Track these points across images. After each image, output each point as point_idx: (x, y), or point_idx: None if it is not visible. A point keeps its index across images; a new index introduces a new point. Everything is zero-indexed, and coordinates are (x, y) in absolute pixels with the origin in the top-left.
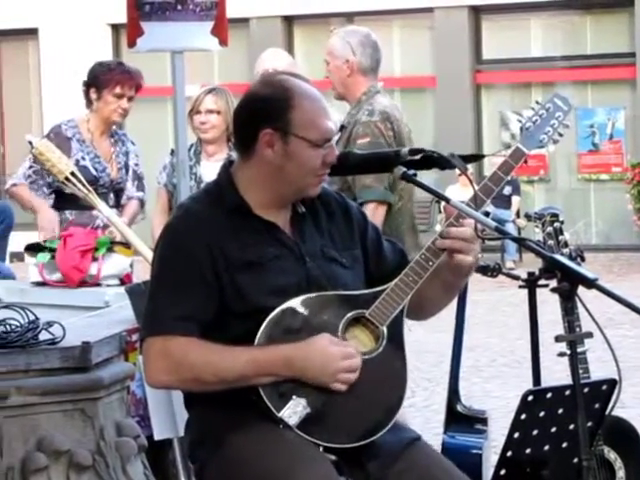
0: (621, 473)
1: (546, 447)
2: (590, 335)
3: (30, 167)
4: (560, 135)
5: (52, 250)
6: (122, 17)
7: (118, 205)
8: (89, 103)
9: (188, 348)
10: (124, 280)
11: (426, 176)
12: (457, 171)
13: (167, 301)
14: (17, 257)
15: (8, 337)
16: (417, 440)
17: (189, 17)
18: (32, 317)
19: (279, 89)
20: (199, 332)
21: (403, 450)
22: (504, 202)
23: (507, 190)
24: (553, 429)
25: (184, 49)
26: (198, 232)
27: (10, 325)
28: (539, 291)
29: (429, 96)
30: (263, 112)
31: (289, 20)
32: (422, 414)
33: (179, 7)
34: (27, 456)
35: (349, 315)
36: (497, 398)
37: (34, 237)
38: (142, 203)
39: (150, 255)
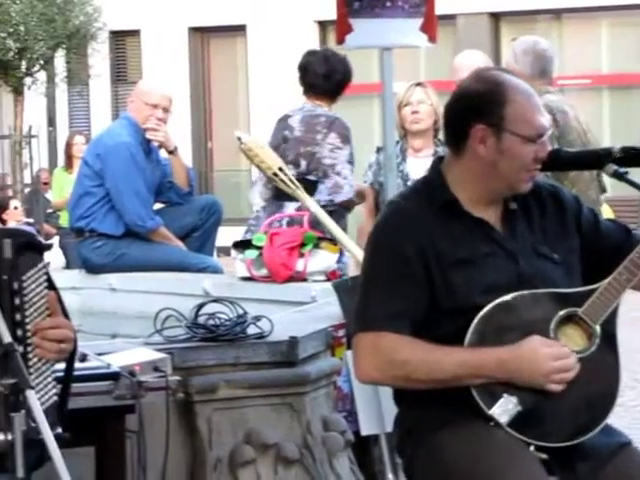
0: None
1: None
2: None
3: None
4: None
5: (259, 247)
6: (329, 14)
7: None
8: None
9: (399, 346)
10: (330, 276)
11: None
12: None
13: (379, 298)
14: (223, 252)
15: (217, 331)
16: (627, 445)
17: (398, 14)
18: (240, 311)
19: (492, 84)
20: (410, 330)
21: (613, 454)
22: None
23: None
24: None
25: (393, 46)
26: (408, 230)
27: (219, 319)
28: None
29: (638, 94)
30: (476, 108)
31: (496, 17)
32: (630, 414)
33: (388, 3)
34: (235, 449)
35: (561, 313)
36: None
37: (240, 232)
38: None
39: (356, 251)
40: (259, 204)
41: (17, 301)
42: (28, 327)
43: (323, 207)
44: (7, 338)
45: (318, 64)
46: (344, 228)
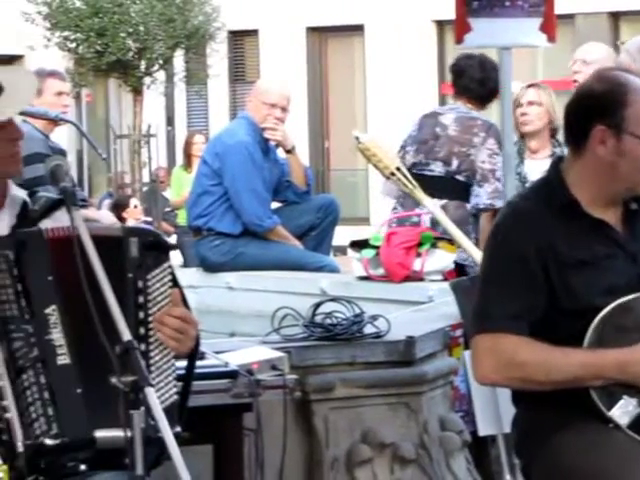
0: None
1: None
2: None
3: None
4: None
5: (376, 247)
6: (447, 14)
7: None
8: None
9: (518, 347)
10: (447, 276)
11: None
12: None
13: (497, 299)
14: (340, 251)
15: (334, 330)
16: None
17: (517, 13)
18: (357, 311)
19: (614, 85)
20: (528, 331)
21: None
22: None
23: None
24: None
25: (512, 45)
26: (527, 231)
27: (336, 318)
28: None
29: None
30: (597, 108)
31: (615, 16)
32: None
33: (507, 3)
34: (352, 448)
35: None
36: None
37: (357, 231)
38: None
39: (474, 251)
40: (391, 201)
41: (141, 299)
42: (150, 326)
43: (479, 211)
44: (127, 336)
45: (475, 69)
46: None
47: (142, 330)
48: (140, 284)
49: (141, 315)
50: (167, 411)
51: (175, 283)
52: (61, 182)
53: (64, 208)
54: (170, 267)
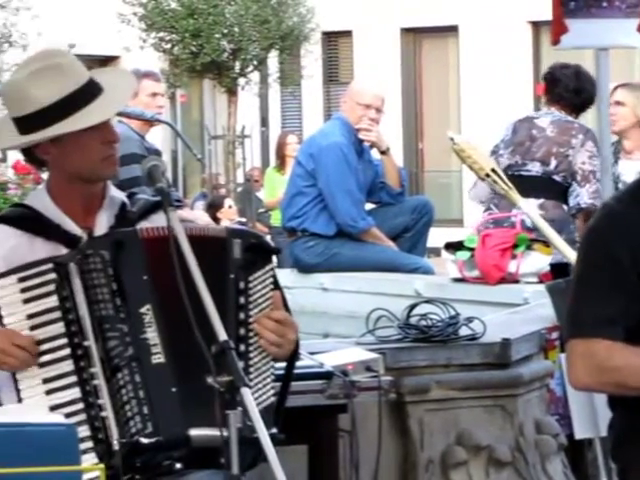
0: None
1: None
2: None
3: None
4: None
5: (471, 249)
6: (543, 14)
7: None
8: None
9: (612, 352)
10: (542, 278)
11: None
12: None
13: (591, 303)
14: (433, 252)
15: (429, 332)
16: None
17: (615, 14)
18: (452, 312)
19: None
20: (622, 336)
21: None
22: None
23: None
24: None
25: (609, 46)
26: (621, 233)
27: (431, 320)
28: None
29: None
30: None
31: None
32: None
33: (604, 3)
34: (447, 450)
35: None
36: None
37: (450, 233)
38: None
39: (569, 254)
40: (480, 204)
41: (242, 300)
42: (251, 327)
43: (580, 211)
44: (223, 336)
45: (570, 79)
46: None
47: (242, 331)
48: (242, 285)
49: (242, 316)
50: (263, 412)
51: (276, 285)
52: (157, 183)
53: (161, 211)
54: (272, 270)
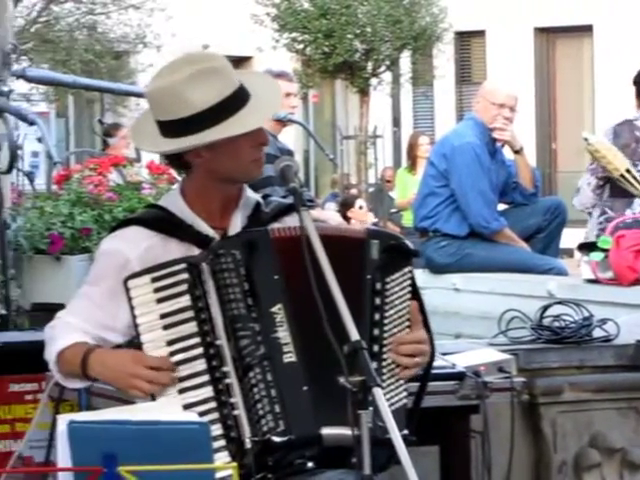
0: None
1: None
2: None
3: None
4: None
5: (605, 250)
6: None
7: None
8: None
9: None
10: None
11: None
12: None
13: None
14: (566, 253)
15: (562, 333)
16: None
17: None
18: (586, 314)
19: None
20: None
21: None
22: None
23: None
24: None
25: None
26: None
27: (564, 321)
28: None
29: None
30: None
31: None
32: None
33: None
34: (580, 452)
35: None
36: None
37: (583, 234)
38: None
39: None
40: (585, 210)
41: (378, 301)
42: (386, 328)
43: None
44: (355, 336)
45: None
46: None
47: (376, 331)
48: (378, 286)
49: (377, 317)
50: (396, 413)
51: (414, 291)
52: (290, 183)
53: (293, 214)
54: (410, 272)
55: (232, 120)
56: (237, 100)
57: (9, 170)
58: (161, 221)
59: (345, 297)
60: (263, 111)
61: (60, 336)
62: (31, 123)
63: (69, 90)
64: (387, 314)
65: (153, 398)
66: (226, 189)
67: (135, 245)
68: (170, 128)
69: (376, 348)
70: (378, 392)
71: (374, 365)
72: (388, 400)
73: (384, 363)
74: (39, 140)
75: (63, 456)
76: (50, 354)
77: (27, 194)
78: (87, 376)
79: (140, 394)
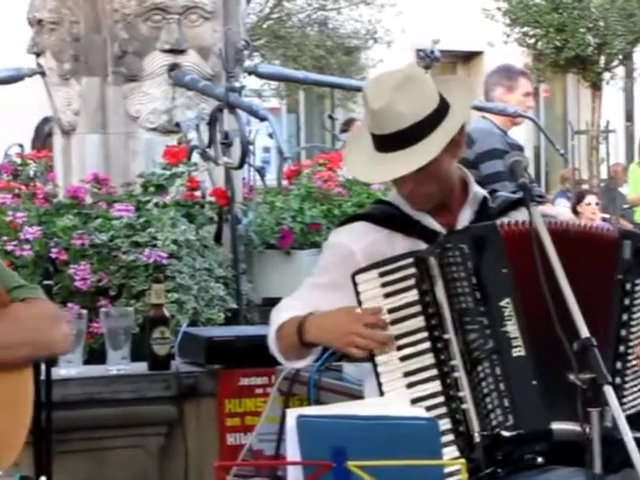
0: None
1: None
2: None
3: None
4: None
5: None
6: None
7: None
8: None
9: None
10: None
11: None
12: None
13: None
14: None
15: None
16: None
17: None
18: None
19: None
20: None
21: None
22: None
23: None
24: None
25: None
26: None
27: None
28: None
29: None
30: None
31: None
32: None
33: None
34: None
35: None
36: None
37: None
38: None
39: None
40: None
41: (627, 302)
42: (633, 329)
43: None
44: (585, 333)
45: None
46: None
47: (624, 332)
48: (628, 287)
49: (624, 317)
50: (636, 416)
51: None
52: (519, 178)
53: (521, 208)
54: None
55: (435, 134)
56: (439, 113)
57: (240, 165)
58: (388, 216)
59: (594, 296)
60: (455, 123)
61: (280, 314)
62: (262, 119)
63: (300, 86)
64: (635, 315)
65: (371, 359)
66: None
67: (360, 239)
68: (381, 142)
69: (622, 349)
70: (609, 391)
71: (618, 365)
72: (630, 402)
73: (628, 364)
74: (270, 136)
75: (292, 450)
76: (271, 333)
77: (258, 189)
78: (304, 343)
79: (358, 352)
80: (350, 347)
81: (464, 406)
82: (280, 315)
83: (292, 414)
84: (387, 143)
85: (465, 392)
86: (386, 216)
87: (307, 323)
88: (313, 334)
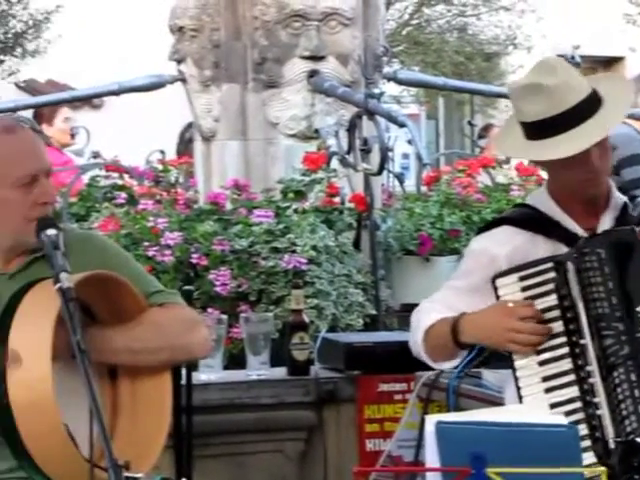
0: None
1: None
2: None
3: None
4: None
5: None
6: None
7: None
8: None
9: None
10: None
11: None
12: None
13: None
14: None
15: None
16: None
17: None
18: None
19: None
20: None
21: None
22: None
23: None
24: None
25: None
26: None
27: None
28: None
29: None
30: None
31: None
32: None
33: None
34: None
35: None
36: None
37: None
38: None
39: None
40: None
41: None
42: None
43: None
44: None
45: None
46: None
47: None
48: None
49: None
50: None
51: None
52: None
53: None
54: None
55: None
56: (589, 106)
57: (379, 172)
58: (530, 219)
59: None
60: (610, 119)
61: (424, 317)
62: (401, 125)
63: (439, 92)
64: None
65: (511, 364)
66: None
67: (504, 244)
68: (533, 130)
69: None
70: None
71: None
72: None
73: None
74: (409, 142)
75: (431, 456)
76: (416, 335)
77: (397, 195)
78: (458, 343)
79: (517, 347)
80: (509, 343)
81: (599, 412)
82: (423, 317)
83: (431, 420)
84: (556, 123)
85: (600, 398)
86: (528, 218)
87: (461, 323)
88: (469, 334)
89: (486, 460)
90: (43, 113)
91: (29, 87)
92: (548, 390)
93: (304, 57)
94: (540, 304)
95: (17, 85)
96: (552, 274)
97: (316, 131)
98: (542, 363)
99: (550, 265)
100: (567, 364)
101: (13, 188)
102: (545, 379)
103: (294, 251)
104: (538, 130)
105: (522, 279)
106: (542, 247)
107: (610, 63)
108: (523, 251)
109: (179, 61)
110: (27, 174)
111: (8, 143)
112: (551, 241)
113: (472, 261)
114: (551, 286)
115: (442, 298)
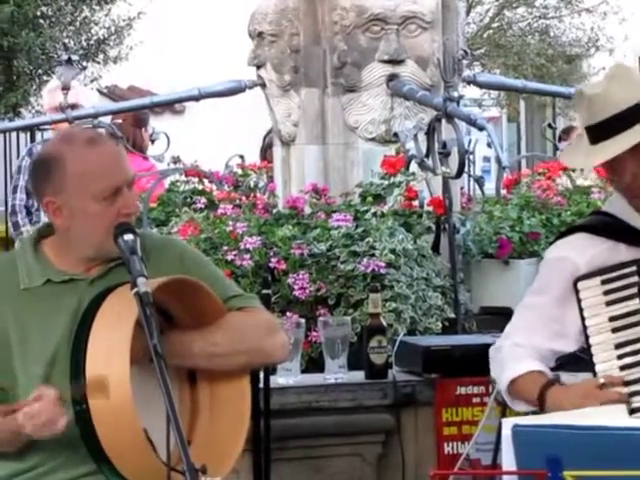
0: None
1: None
2: None
3: None
4: None
5: None
6: None
7: None
8: None
9: None
10: None
11: None
12: None
13: None
14: None
15: None
16: None
17: None
18: None
19: None
20: None
21: None
22: None
23: None
24: None
25: None
26: None
27: None
28: None
29: None
30: None
31: None
32: None
33: None
34: None
35: None
36: None
37: None
38: None
39: None
40: None
41: None
42: None
43: None
44: None
45: None
46: None
47: None
48: None
49: None
50: None
51: None
52: None
53: None
54: None
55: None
56: None
57: (458, 175)
58: (609, 227)
59: None
60: None
61: (510, 364)
62: (480, 128)
63: (521, 95)
64: None
65: (592, 368)
66: None
67: (584, 252)
68: (595, 133)
69: None
70: None
71: None
72: None
73: None
74: (489, 145)
75: (508, 459)
76: (501, 382)
77: (477, 198)
78: (542, 409)
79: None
80: None
81: None
82: (509, 364)
83: (508, 423)
84: (601, 131)
85: None
86: (607, 226)
87: (548, 398)
88: (552, 410)
89: (563, 463)
90: (142, 118)
91: (111, 93)
92: (630, 395)
93: (383, 61)
94: (622, 308)
95: (99, 91)
96: (635, 278)
97: (395, 135)
98: (623, 367)
99: (633, 269)
100: None
101: (96, 201)
102: (626, 383)
103: (373, 255)
104: (603, 131)
105: (604, 282)
106: (624, 255)
107: None
108: (604, 260)
109: (258, 66)
110: (109, 187)
111: (91, 156)
112: (634, 248)
113: (551, 271)
114: (634, 290)
115: (526, 324)
